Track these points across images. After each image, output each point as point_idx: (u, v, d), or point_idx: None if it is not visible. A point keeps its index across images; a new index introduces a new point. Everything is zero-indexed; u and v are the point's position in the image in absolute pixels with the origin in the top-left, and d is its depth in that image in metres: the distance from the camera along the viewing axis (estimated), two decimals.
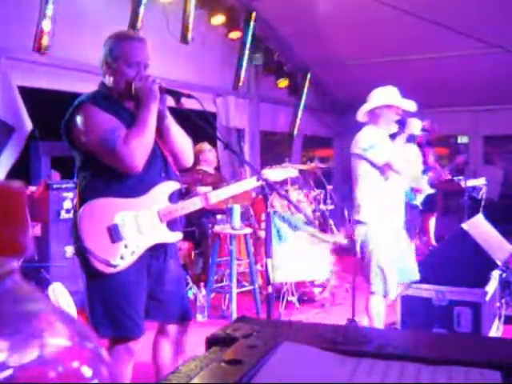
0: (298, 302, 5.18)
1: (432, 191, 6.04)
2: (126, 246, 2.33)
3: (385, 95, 3.70)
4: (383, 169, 3.60)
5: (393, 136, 3.76)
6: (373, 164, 3.61)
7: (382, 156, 3.57)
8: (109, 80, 2.41)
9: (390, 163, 3.57)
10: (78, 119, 2.31)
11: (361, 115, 3.79)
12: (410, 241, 3.97)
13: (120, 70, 2.36)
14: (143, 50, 2.40)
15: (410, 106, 3.72)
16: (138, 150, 2.28)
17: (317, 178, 6.49)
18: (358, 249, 3.69)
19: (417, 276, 3.81)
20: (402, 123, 3.66)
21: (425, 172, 6.08)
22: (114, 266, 2.30)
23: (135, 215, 2.37)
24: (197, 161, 5.85)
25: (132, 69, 2.36)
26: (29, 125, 4.56)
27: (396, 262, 3.67)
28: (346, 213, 8.48)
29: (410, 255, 3.80)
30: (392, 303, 3.89)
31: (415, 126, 3.62)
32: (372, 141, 3.61)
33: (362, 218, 3.66)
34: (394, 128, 3.70)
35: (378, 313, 3.68)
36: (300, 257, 5.18)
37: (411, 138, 3.64)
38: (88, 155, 2.35)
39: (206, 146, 5.83)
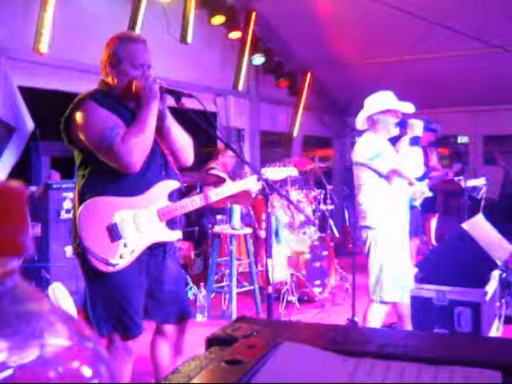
0: (298, 302, 5.18)
1: (431, 194, 6.01)
2: (125, 245, 2.33)
3: (381, 100, 3.63)
4: (388, 176, 3.55)
5: (396, 139, 3.72)
6: (377, 172, 3.56)
7: (387, 164, 3.52)
8: (112, 80, 2.41)
9: (398, 170, 3.52)
10: (78, 115, 2.31)
11: (360, 123, 3.72)
12: (410, 240, 3.93)
13: (125, 71, 2.37)
14: (147, 51, 2.43)
15: (408, 107, 3.64)
16: (137, 148, 2.28)
17: (317, 178, 6.50)
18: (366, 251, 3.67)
19: (412, 285, 3.77)
20: (402, 125, 3.60)
21: (426, 174, 6.06)
22: (114, 265, 2.30)
23: (134, 214, 2.37)
24: (214, 158, 5.89)
25: (137, 70, 2.37)
26: (30, 124, 4.56)
27: (403, 267, 3.64)
28: (346, 213, 8.51)
29: (408, 263, 3.76)
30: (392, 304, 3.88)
31: (417, 127, 3.55)
32: (376, 149, 3.54)
33: (369, 223, 3.59)
34: (395, 132, 3.64)
35: (376, 320, 3.62)
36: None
37: (416, 141, 3.54)
38: (87, 153, 2.35)
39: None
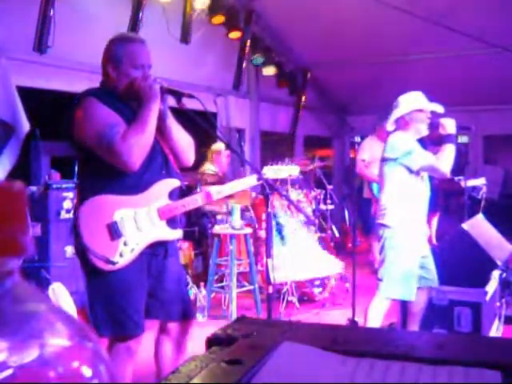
0: (298, 302, 5.17)
1: None
2: (125, 244, 2.33)
3: (413, 100, 3.66)
4: (419, 172, 3.58)
5: (437, 142, 3.74)
6: (408, 168, 3.57)
7: (420, 161, 3.55)
8: (113, 81, 2.41)
9: (433, 166, 3.55)
10: (79, 112, 2.32)
11: (390, 123, 3.74)
12: None
13: (125, 71, 2.38)
14: (147, 51, 2.44)
15: (439, 108, 3.67)
16: (136, 147, 2.28)
17: (317, 178, 6.50)
18: (377, 251, 3.67)
19: (436, 282, 3.78)
20: (434, 126, 3.63)
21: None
22: (113, 263, 2.30)
23: (134, 212, 2.37)
24: (209, 159, 5.91)
25: (137, 70, 2.38)
26: (26, 125, 4.55)
27: (418, 267, 3.64)
28: (346, 213, 8.50)
29: (430, 261, 3.77)
30: (392, 303, 3.88)
31: (450, 125, 3.58)
32: (409, 146, 3.57)
33: (387, 222, 3.61)
34: (425, 132, 3.65)
35: (377, 315, 3.65)
36: (304, 255, 5.21)
37: (450, 138, 3.58)
38: (88, 151, 2.35)
39: (223, 147, 5.87)
